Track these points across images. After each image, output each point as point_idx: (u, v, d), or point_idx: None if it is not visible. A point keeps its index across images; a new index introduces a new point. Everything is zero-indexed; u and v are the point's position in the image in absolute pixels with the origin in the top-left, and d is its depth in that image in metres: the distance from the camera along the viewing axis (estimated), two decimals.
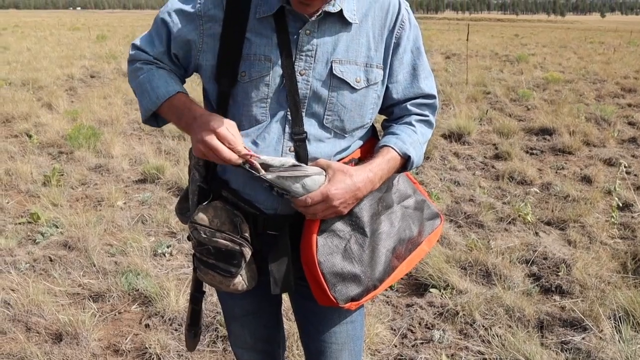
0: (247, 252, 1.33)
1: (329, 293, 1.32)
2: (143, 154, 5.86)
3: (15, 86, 10.07)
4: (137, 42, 1.41)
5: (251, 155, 1.25)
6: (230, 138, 1.23)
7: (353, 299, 1.35)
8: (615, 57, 17.74)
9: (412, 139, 1.39)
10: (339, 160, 1.36)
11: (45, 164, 5.59)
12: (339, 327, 1.52)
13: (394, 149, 1.36)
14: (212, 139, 1.22)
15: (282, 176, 1.25)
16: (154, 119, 1.41)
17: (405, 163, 1.39)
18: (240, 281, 1.35)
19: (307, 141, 1.33)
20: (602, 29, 54.98)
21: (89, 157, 5.79)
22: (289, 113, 1.32)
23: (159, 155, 5.85)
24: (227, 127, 1.24)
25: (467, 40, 13.18)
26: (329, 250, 1.32)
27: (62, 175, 5.21)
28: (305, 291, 1.41)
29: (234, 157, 1.24)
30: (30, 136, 6.51)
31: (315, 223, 1.32)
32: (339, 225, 1.34)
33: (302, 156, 1.32)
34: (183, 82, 1.44)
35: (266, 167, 1.26)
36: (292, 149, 1.33)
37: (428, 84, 1.44)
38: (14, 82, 10.43)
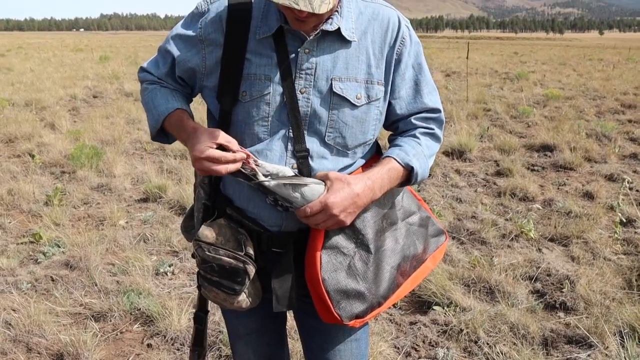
0: (251, 269, 1.33)
1: (333, 310, 1.32)
2: (145, 173, 5.88)
3: (19, 106, 10.14)
4: (145, 65, 1.48)
5: (248, 156, 1.28)
6: (218, 156, 1.25)
7: (357, 316, 1.35)
8: (615, 74, 17.84)
9: (416, 150, 1.39)
10: None
11: (48, 184, 5.61)
12: (344, 345, 1.50)
13: (396, 160, 1.35)
14: (205, 165, 1.25)
15: (281, 183, 1.26)
16: (164, 135, 1.46)
17: (409, 175, 1.37)
18: (244, 299, 1.34)
19: (309, 158, 1.34)
20: (600, 46, 55.36)
21: (91, 176, 5.81)
22: (290, 131, 1.33)
23: (161, 174, 5.86)
24: (213, 142, 1.26)
25: (467, 58, 13.29)
26: (333, 268, 1.32)
27: (65, 194, 5.22)
28: (309, 309, 1.40)
29: (232, 168, 1.26)
30: (32, 156, 6.54)
31: (319, 240, 1.31)
32: (343, 242, 1.34)
33: (305, 173, 1.33)
34: (189, 99, 1.48)
35: (265, 174, 1.28)
36: (295, 166, 1.34)
37: (432, 99, 1.44)
38: (17, 102, 10.51)
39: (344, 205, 1.27)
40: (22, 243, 4.16)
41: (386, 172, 1.33)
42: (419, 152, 1.39)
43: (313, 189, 1.27)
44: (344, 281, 1.32)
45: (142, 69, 1.49)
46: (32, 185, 5.37)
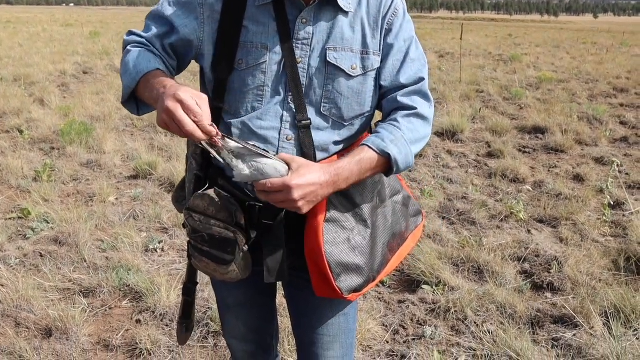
0: (242, 240, 1.32)
1: (334, 284, 1.32)
2: (135, 150, 5.84)
3: (7, 82, 9.99)
4: (133, 29, 1.41)
5: (217, 133, 1.18)
6: (196, 111, 1.13)
7: (355, 290, 1.36)
8: (608, 58, 17.83)
9: (395, 136, 1.32)
10: (341, 151, 1.36)
11: (37, 160, 5.55)
12: (332, 319, 1.52)
13: (371, 148, 1.29)
14: (177, 109, 1.12)
15: (239, 153, 1.20)
16: (134, 102, 1.36)
17: (388, 163, 1.31)
18: (234, 269, 1.34)
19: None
20: (595, 29, 55.24)
21: (80, 152, 5.75)
22: (289, 100, 1.31)
23: (152, 151, 5.82)
24: (196, 99, 1.14)
25: (461, 39, 13.24)
26: (334, 241, 1.32)
27: (54, 170, 5.17)
28: (299, 282, 1.41)
29: (197, 132, 1.14)
30: (21, 132, 6.46)
31: (321, 213, 1.31)
32: (344, 216, 1.34)
33: (306, 143, 1.32)
34: (171, 72, 1.38)
35: (234, 153, 1.21)
36: (290, 137, 1.32)
37: (414, 68, 1.38)
38: (5, 77, 10.35)
39: (305, 192, 1.21)
40: (10, 218, 4.13)
41: (356, 163, 1.27)
42: (398, 137, 1.32)
43: (274, 165, 1.22)
44: (344, 254, 1.32)
45: (129, 32, 1.40)
46: (21, 160, 5.31)
